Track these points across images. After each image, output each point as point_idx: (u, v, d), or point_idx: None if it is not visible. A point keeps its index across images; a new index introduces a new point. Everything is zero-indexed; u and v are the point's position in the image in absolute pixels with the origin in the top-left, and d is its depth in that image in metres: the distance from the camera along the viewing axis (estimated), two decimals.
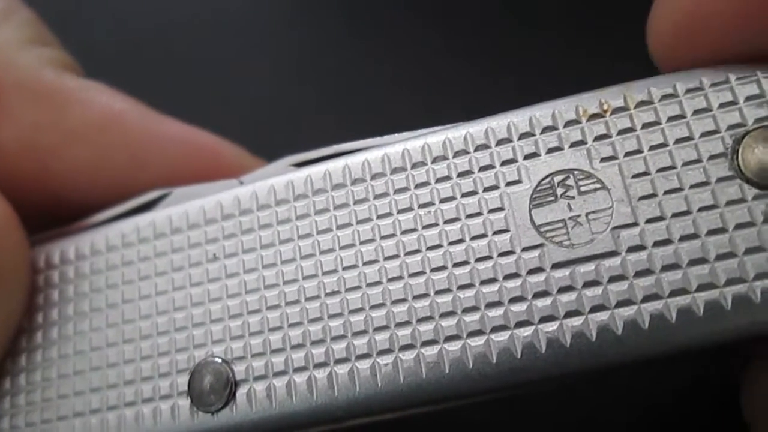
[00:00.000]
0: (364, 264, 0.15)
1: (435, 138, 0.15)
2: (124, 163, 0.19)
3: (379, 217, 0.15)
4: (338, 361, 0.14)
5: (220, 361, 0.15)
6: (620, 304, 0.13)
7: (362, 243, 0.15)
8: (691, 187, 0.13)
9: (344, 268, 0.15)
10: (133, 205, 0.18)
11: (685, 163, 0.13)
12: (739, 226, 0.12)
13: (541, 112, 0.14)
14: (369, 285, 0.14)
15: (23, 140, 0.19)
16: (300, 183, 0.16)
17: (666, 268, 0.13)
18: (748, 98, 0.13)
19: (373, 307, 0.14)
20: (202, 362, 0.15)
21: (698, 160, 0.13)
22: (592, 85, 0.14)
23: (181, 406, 0.15)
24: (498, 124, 0.15)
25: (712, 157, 0.13)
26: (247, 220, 0.16)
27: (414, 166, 0.15)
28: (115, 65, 0.21)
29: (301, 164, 0.17)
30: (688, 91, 0.14)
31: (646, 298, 0.13)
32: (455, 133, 0.15)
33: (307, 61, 0.27)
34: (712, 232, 0.13)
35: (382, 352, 0.14)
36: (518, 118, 0.14)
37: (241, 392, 0.15)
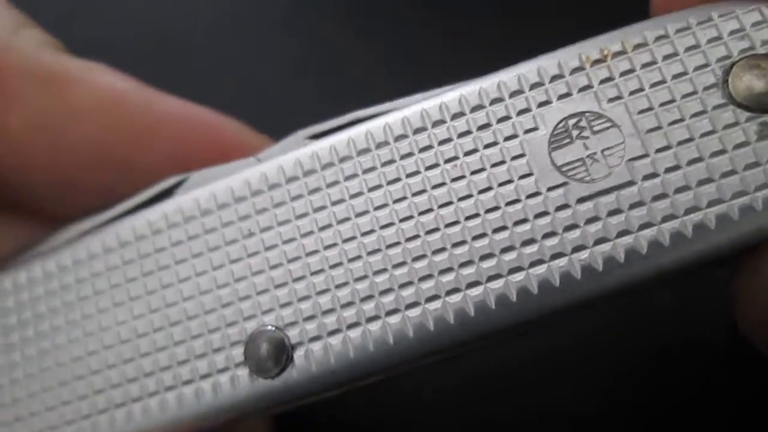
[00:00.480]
0: (401, 221, 0.15)
1: (450, 96, 0.16)
2: (130, 141, 0.19)
3: (408, 176, 0.16)
4: (389, 313, 0.15)
5: (273, 328, 0.16)
6: (642, 227, 0.14)
7: (395, 202, 0.16)
8: (691, 116, 0.15)
9: (381, 227, 0.16)
10: (152, 193, 0.18)
11: (683, 96, 0.15)
12: (736, 146, 0.14)
13: (548, 63, 0.16)
14: (408, 239, 0.15)
15: (31, 123, 0.19)
16: (325, 153, 0.16)
17: (678, 190, 0.14)
18: (731, 32, 0.15)
19: (414, 259, 0.15)
20: (255, 332, 0.16)
21: (694, 92, 0.15)
22: None
23: (240, 376, 0.16)
24: (508, 77, 0.16)
25: (706, 88, 0.15)
26: (278, 194, 0.17)
27: (434, 124, 0.16)
28: (115, 65, 0.21)
29: (315, 136, 0.18)
30: (678, 31, 0.15)
31: (664, 219, 0.14)
32: (469, 90, 0.16)
33: (306, 53, 0.27)
34: (714, 154, 0.14)
35: (430, 299, 0.15)
36: (526, 70, 0.16)
37: (299, 354, 0.15)
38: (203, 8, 0.29)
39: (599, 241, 0.14)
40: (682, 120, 0.15)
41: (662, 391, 0.21)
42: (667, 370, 0.21)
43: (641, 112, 0.15)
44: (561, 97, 0.15)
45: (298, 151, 0.17)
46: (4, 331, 0.18)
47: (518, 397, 0.22)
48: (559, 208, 0.15)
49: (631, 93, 0.15)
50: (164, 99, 0.20)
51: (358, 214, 0.16)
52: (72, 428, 0.17)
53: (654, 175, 0.14)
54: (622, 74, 0.15)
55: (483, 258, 0.15)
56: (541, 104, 0.15)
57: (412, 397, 0.23)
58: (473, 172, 0.15)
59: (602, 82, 0.15)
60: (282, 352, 0.15)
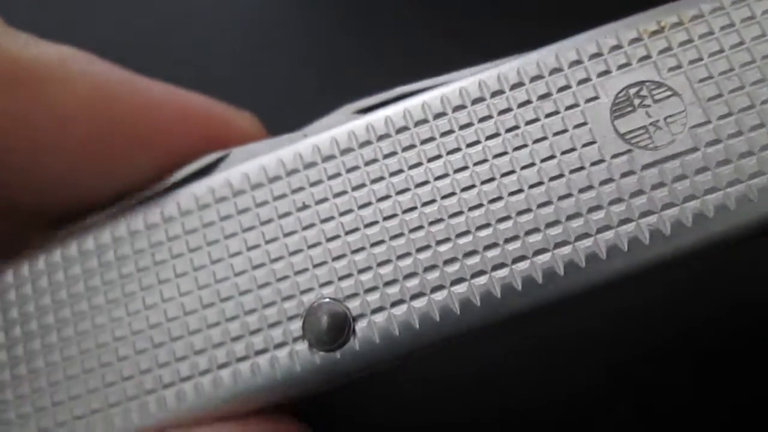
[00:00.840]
0: (462, 190, 0.15)
1: (507, 67, 0.16)
2: (122, 135, 0.18)
3: (468, 145, 0.16)
4: (454, 282, 0.15)
5: (332, 300, 0.15)
6: (708, 191, 0.14)
7: (456, 171, 0.16)
8: (751, 84, 0.15)
9: (443, 197, 0.15)
10: (191, 170, 0.18)
11: (742, 65, 0.15)
12: None
13: (605, 34, 0.16)
14: (471, 209, 0.15)
15: (13, 123, 0.17)
16: (380, 124, 0.16)
17: (742, 155, 0.14)
18: None
19: (479, 228, 0.15)
20: (314, 305, 0.15)
21: (753, 61, 0.15)
22: None
23: (299, 350, 0.15)
24: (566, 47, 0.16)
25: (764, 57, 0.15)
26: (332, 165, 0.16)
27: (493, 95, 0.16)
28: (116, 63, 0.20)
29: (363, 111, 0.17)
30: (733, 3, 0.15)
31: (729, 184, 0.14)
32: (527, 60, 0.16)
33: (306, 52, 0.27)
34: None
35: (496, 267, 0.15)
36: (584, 42, 0.16)
37: (361, 325, 0.15)
38: (204, 8, 0.29)
39: (666, 206, 0.14)
40: (742, 88, 0.15)
41: (659, 386, 0.21)
42: (662, 366, 0.21)
43: (701, 80, 0.15)
44: (620, 67, 0.15)
45: (350, 124, 0.17)
46: (45, 310, 0.17)
47: (513, 390, 0.22)
48: (624, 175, 0.15)
49: (690, 62, 0.15)
50: (150, 87, 0.18)
51: (418, 185, 0.16)
52: (118, 409, 0.16)
53: (717, 142, 0.15)
54: (681, 44, 0.15)
55: (549, 225, 0.15)
56: (600, 74, 0.16)
57: (414, 388, 0.23)
58: (535, 141, 0.15)
59: (661, 52, 0.15)
60: (343, 324, 0.15)
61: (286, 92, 0.27)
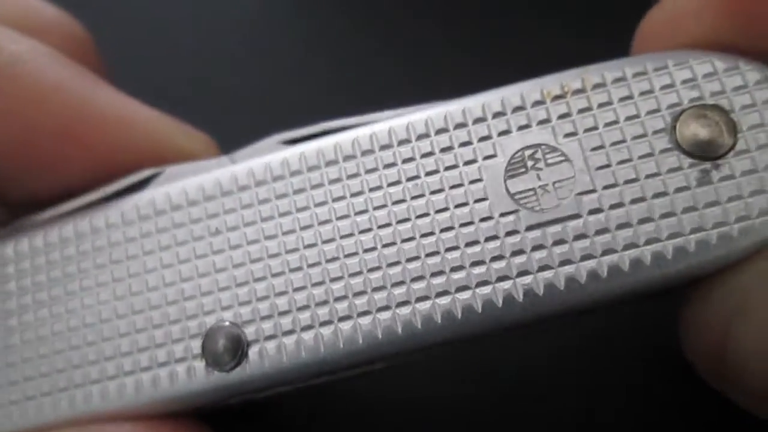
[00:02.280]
0: (360, 232, 0.16)
1: (417, 117, 0.17)
2: (54, 139, 0.19)
3: (371, 190, 0.17)
4: (341, 319, 0.16)
5: (230, 324, 0.16)
6: (584, 258, 0.15)
7: (357, 214, 0.16)
8: (639, 158, 0.15)
9: (342, 237, 0.16)
10: (125, 184, 0.19)
11: (633, 138, 0.16)
12: (677, 190, 0.15)
13: (511, 94, 0.16)
14: (365, 251, 0.16)
15: None
16: (294, 160, 0.17)
17: (620, 226, 0.15)
18: (683, 81, 0.16)
19: (370, 270, 0.16)
20: (214, 327, 0.17)
21: (644, 135, 0.16)
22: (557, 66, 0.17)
23: (196, 367, 0.16)
24: (474, 104, 0.17)
25: (655, 132, 0.16)
26: (246, 196, 0.17)
27: (400, 143, 0.17)
28: (118, 64, 0.21)
29: (290, 141, 0.18)
30: (635, 75, 0.16)
31: (605, 252, 0.15)
32: (436, 113, 0.17)
33: (305, 54, 0.28)
34: (656, 195, 0.15)
35: (381, 309, 0.16)
36: (491, 99, 0.16)
37: (253, 350, 0.16)
38: (205, 8, 0.30)
39: (543, 268, 0.15)
40: (630, 160, 0.15)
41: (653, 397, 0.21)
42: (654, 377, 0.22)
43: (593, 149, 0.16)
44: (521, 128, 0.16)
45: (269, 156, 0.18)
46: None
47: (509, 401, 0.23)
48: (508, 233, 0.16)
49: (586, 130, 0.16)
50: (98, 90, 0.19)
51: (321, 222, 0.17)
52: (33, 403, 0.17)
53: (599, 210, 0.15)
54: (580, 111, 0.16)
55: (434, 275, 0.16)
56: (501, 133, 0.16)
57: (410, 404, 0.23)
58: (432, 192, 0.16)
59: (560, 117, 0.16)
60: (237, 348, 0.16)
61: (287, 92, 0.28)
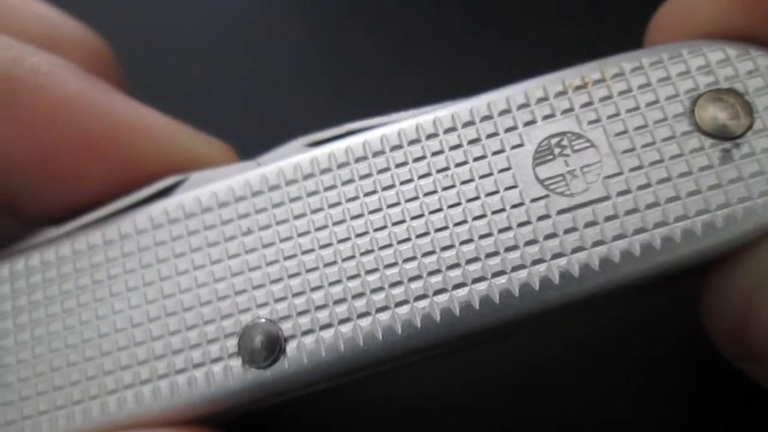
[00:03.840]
0: (393, 224, 0.17)
1: (444, 112, 0.17)
2: (75, 151, 0.19)
3: (401, 183, 0.17)
4: (379, 310, 0.16)
5: (267, 321, 0.16)
6: (615, 238, 0.16)
7: (389, 207, 0.17)
8: (661, 140, 0.16)
9: (375, 230, 0.17)
10: (150, 192, 0.19)
11: (655, 122, 0.16)
12: (701, 169, 0.16)
13: (534, 86, 0.17)
14: (399, 242, 0.16)
15: None
16: (324, 159, 0.18)
17: (648, 206, 0.16)
18: (698, 68, 0.16)
19: (405, 260, 0.16)
20: (249, 324, 0.17)
21: (665, 119, 0.16)
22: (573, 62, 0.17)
23: (233, 366, 0.16)
24: (498, 97, 0.17)
25: (675, 116, 0.16)
26: (277, 195, 0.17)
27: (428, 137, 0.17)
28: (121, 63, 0.21)
29: (313, 144, 0.19)
30: (652, 64, 0.17)
31: (635, 232, 0.15)
32: (461, 107, 0.17)
33: (310, 57, 0.28)
34: (681, 176, 0.16)
35: (418, 298, 0.16)
36: (515, 92, 0.17)
37: (291, 346, 0.16)
38: (206, 9, 0.30)
39: (576, 250, 0.16)
40: (653, 143, 0.16)
41: (653, 399, 0.22)
42: (658, 377, 0.22)
43: (617, 134, 0.16)
44: (545, 117, 0.17)
45: (298, 156, 0.18)
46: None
47: (508, 403, 0.23)
48: (540, 218, 0.16)
49: (609, 117, 0.16)
50: (120, 105, 0.19)
51: (353, 217, 0.17)
52: (63, 413, 0.17)
53: (627, 192, 0.16)
54: (601, 100, 0.17)
55: (469, 262, 0.16)
56: (527, 123, 0.17)
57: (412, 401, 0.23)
58: (462, 182, 0.17)
59: (583, 106, 0.17)
60: (275, 344, 0.16)
61: (291, 95, 0.28)
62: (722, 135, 0.16)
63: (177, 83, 0.21)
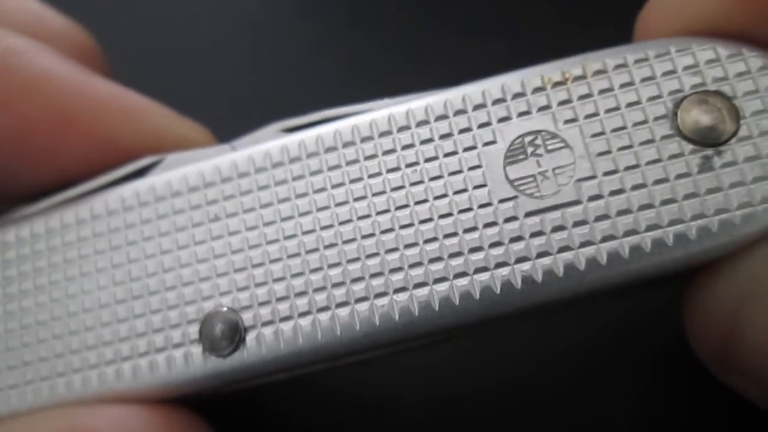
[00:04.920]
0: (359, 218, 0.16)
1: (417, 104, 0.17)
2: (51, 126, 0.19)
3: (369, 176, 0.16)
4: (339, 305, 0.16)
5: (228, 310, 0.16)
6: (583, 244, 0.15)
7: (355, 200, 0.16)
8: (640, 144, 0.15)
9: (340, 223, 0.16)
10: (126, 172, 0.19)
11: (635, 124, 0.15)
12: (678, 176, 0.15)
13: (511, 81, 0.16)
14: (364, 237, 0.16)
15: None
16: (294, 147, 0.17)
17: (620, 213, 0.15)
18: (685, 68, 0.16)
19: (368, 256, 0.16)
20: (211, 312, 0.17)
21: (645, 121, 0.15)
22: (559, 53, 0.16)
23: (193, 352, 0.16)
24: (473, 91, 0.16)
25: (656, 119, 0.15)
26: (246, 182, 0.17)
27: (400, 129, 0.17)
28: (117, 66, 0.21)
29: (289, 130, 0.18)
30: (636, 61, 0.16)
31: (604, 239, 0.15)
32: (435, 99, 0.17)
33: (304, 49, 0.28)
34: (657, 182, 0.15)
35: (379, 295, 0.16)
36: (491, 86, 0.16)
37: (251, 336, 0.16)
38: (206, 9, 0.30)
39: (541, 255, 0.15)
40: (630, 147, 0.15)
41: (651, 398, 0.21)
42: (661, 377, 0.21)
43: (594, 135, 0.16)
44: (521, 114, 0.16)
45: (269, 143, 0.18)
46: None
47: (508, 406, 0.22)
48: (507, 220, 0.15)
49: (586, 117, 0.16)
50: (89, 78, 0.19)
51: (320, 209, 0.17)
52: (31, 387, 0.17)
53: (599, 197, 0.15)
54: (580, 98, 0.16)
55: (432, 261, 0.16)
56: (501, 119, 0.16)
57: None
58: (431, 178, 0.16)
59: (560, 103, 0.16)
60: (235, 333, 0.16)
61: (286, 92, 0.28)
62: (704, 141, 0.15)
63: (177, 83, 0.21)
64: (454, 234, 0.16)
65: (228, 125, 0.21)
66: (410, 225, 0.16)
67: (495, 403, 0.21)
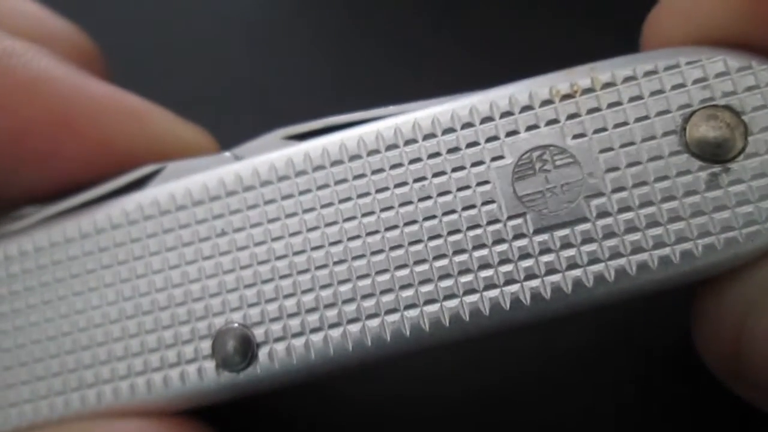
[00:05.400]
0: (368, 234, 0.16)
1: (423, 115, 0.17)
2: (49, 128, 0.18)
3: (377, 191, 0.16)
4: (350, 321, 0.16)
5: (240, 326, 0.17)
6: (591, 262, 0.15)
7: (363, 215, 0.16)
8: (648, 160, 0.15)
9: (349, 239, 0.16)
10: (127, 180, 0.19)
11: (643, 140, 0.15)
12: (686, 194, 0.15)
13: (519, 92, 0.16)
14: (373, 253, 0.16)
15: None
16: (299, 160, 0.17)
17: (628, 230, 0.15)
18: (694, 81, 0.15)
19: (378, 272, 0.16)
20: (223, 328, 0.17)
21: (654, 137, 0.15)
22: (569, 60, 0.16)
23: (207, 368, 0.17)
24: (481, 102, 0.16)
25: (665, 134, 0.15)
26: (251, 196, 0.17)
27: (406, 143, 0.16)
28: (116, 65, 0.20)
29: (293, 137, 0.18)
30: (646, 74, 0.16)
31: (612, 257, 0.15)
32: (442, 110, 0.16)
33: (304, 50, 0.27)
34: (664, 200, 0.15)
35: (389, 312, 0.16)
36: (499, 97, 0.16)
37: (263, 352, 0.16)
38: (206, 9, 0.29)
39: (550, 272, 0.15)
40: (639, 163, 0.15)
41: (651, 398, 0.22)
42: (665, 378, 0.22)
43: (602, 151, 0.16)
44: (529, 128, 0.16)
45: (273, 155, 0.17)
46: None
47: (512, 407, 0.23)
48: (516, 237, 0.16)
49: (595, 131, 0.16)
50: (88, 80, 0.19)
51: (327, 224, 0.17)
52: (45, 402, 0.18)
53: (607, 214, 0.15)
54: (589, 111, 0.16)
55: (441, 278, 0.16)
56: (509, 134, 0.16)
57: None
58: (440, 194, 0.16)
59: (569, 117, 0.16)
60: (248, 350, 0.16)
61: (286, 93, 0.27)
62: (712, 157, 0.15)
63: (178, 83, 0.21)
64: (463, 251, 0.16)
65: (228, 125, 0.21)
66: (419, 241, 0.16)
67: (496, 404, 0.22)
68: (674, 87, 0.15)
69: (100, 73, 0.20)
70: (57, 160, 0.19)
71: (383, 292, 0.16)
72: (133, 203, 0.18)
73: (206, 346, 0.17)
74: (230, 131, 0.19)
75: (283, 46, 0.27)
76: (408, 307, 0.16)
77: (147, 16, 0.29)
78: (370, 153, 0.17)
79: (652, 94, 0.16)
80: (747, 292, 0.15)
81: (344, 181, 0.17)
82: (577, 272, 0.15)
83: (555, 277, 0.15)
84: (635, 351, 0.21)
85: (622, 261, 0.15)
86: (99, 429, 0.17)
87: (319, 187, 0.17)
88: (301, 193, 0.17)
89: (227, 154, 0.19)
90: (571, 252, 0.15)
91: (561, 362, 0.22)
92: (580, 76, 0.16)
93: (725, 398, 0.17)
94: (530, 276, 0.15)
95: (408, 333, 0.16)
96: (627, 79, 0.16)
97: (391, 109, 0.17)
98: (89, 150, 0.19)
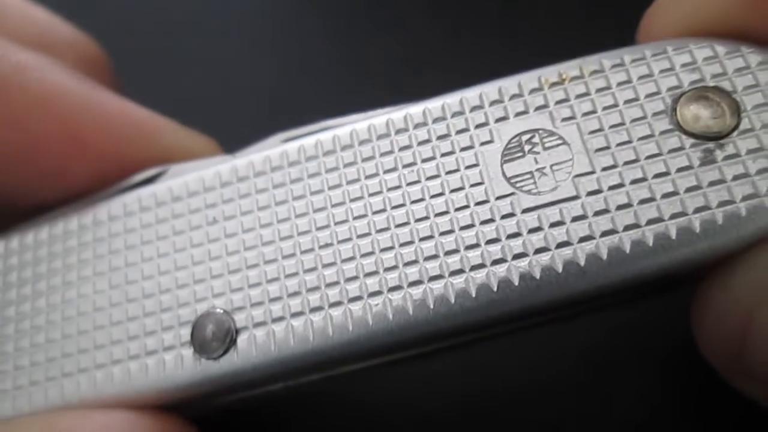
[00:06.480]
0: (354, 218, 0.16)
1: (415, 109, 0.17)
2: (61, 144, 0.19)
3: (366, 177, 0.16)
4: (332, 305, 0.15)
5: (221, 311, 0.16)
6: (582, 240, 0.14)
7: (351, 201, 0.16)
8: (639, 139, 0.15)
9: (336, 223, 0.16)
10: (131, 183, 0.19)
11: (633, 120, 0.15)
12: (679, 170, 0.15)
13: (509, 83, 0.16)
14: (359, 236, 0.16)
15: None
16: (293, 151, 0.17)
17: (620, 207, 0.15)
18: (683, 65, 0.15)
19: (363, 255, 0.16)
20: (204, 314, 0.16)
21: (644, 117, 0.15)
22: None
23: (184, 354, 0.16)
24: (471, 94, 0.17)
25: (655, 114, 0.15)
26: (244, 186, 0.17)
27: (398, 132, 0.17)
28: (115, 65, 0.22)
29: (291, 140, 0.19)
30: (633, 60, 0.16)
31: (604, 234, 0.14)
32: (433, 104, 0.17)
33: (305, 50, 0.28)
34: (657, 176, 0.15)
35: (373, 294, 0.15)
36: (488, 89, 0.16)
37: (242, 338, 0.16)
38: (206, 9, 0.30)
39: (539, 251, 0.15)
40: (629, 142, 0.15)
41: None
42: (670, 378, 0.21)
43: (592, 132, 0.15)
44: (518, 114, 0.16)
45: (269, 151, 0.18)
46: None
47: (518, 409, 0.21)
48: (504, 216, 0.15)
49: (584, 114, 0.16)
50: (101, 95, 0.19)
51: (316, 210, 0.16)
52: (21, 392, 0.17)
53: (598, 192, 0.15)
54: (578, 97, 0.16)
55: (427, 259, 0.15)
56: (498, 119, 0.16)
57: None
58: (428, 178, 0.16)
59: (558, 102, 0.16)
60: (226, 335, 0.16)
61: (287, 93, 0.28)
62: (705, 135, 0.15)
63: (179, 84, 0.22)
64: (450, 231, 0.15)
65: (228, 126, 0.22)
66: (406, 224, 0.16)
67: (501, 407, 0.20)
68: (663, 71, 0.16)
69: (109, 81, 0.21)
70: (68, 175, 0.19)
71: (367, 275, 0.15)
72: (132, 197, 0.18)
73: (186, 332, 0.16)
74: (230, 131, 0.20)
75: (283, 46, 0.29)
76: (392, 289, 0.15)
77: (148, 16, 0.30)
78: (362, 143, 0.17)
79: (641, 78, 0.16)
80: (753, 283, 0.14)
81: (335, 169, 0.17)
82: (568, 251, 0.14)
83: (545, 257, 0.15)
84: (641, 353, 0.20)
85: (614, 238, 0.14)
86: (65, 420, 0.16)
87: (310, 175, 0.17)
88: (293, 181, 0.17)
89: (228, 156, 0.19)
90: (561, 230, 0.15)
91: (566, 364, 0.20)
92: (568, 67, 0.16)
93: (730, 398, 0.16)
94: (519, 255, 0.15)
95: (391, 316, 0.15)
96: (614, 66, 0.16)
97: (387, 109, 0.18)
98: (98, 165, 0.19)
